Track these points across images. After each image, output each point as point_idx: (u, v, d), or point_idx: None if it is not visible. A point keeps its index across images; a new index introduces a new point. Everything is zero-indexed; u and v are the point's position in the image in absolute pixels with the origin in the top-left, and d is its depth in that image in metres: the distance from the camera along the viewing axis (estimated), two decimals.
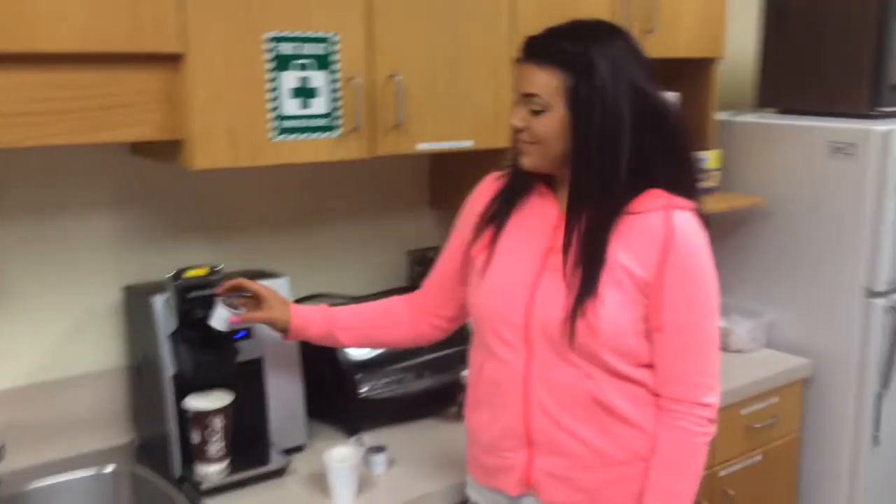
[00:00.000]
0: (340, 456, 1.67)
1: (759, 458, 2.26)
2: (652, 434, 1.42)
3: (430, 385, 2.03)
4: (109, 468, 1.79)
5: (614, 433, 1.41)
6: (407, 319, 1.71)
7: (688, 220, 1.41)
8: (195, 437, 1.67)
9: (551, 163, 1.43)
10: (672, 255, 1.38)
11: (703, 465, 1.42)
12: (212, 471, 1.68)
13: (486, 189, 1.60)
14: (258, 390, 1.81)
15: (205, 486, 1.66)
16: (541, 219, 1.48)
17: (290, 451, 1.82)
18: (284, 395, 1.83)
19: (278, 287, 1.78)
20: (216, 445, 1.67)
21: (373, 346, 1.76)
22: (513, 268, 1.47)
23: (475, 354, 1.54)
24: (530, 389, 1.43)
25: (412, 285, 2.37)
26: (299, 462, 1.78)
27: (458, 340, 2.08)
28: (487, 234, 1.53)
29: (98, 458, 1.83)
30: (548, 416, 1.41)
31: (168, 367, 1.69)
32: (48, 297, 1.85)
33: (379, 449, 1.77)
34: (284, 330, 1.67)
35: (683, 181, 1.44)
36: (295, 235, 2.17)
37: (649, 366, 1.41)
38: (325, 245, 2.22)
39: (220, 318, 1.62)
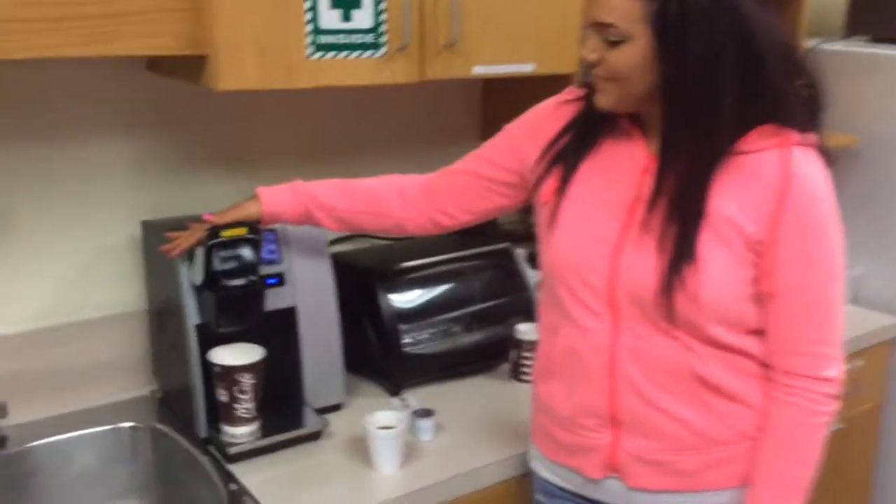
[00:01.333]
0: (384, 421, 1.47)
1: (839, 426, 2.05)
2: (759, 410, 1.21)
3: (480, 339, 1.83)
4: (127, 424, 1.61)
5: (718, 411, 1.20)
6: (401, 208, 1.48)
7: (808, 159, 1.17)
8: (222, 395, 1.48)
9: (634, 101, 1.19)
10: (789, 203, 1.14)
11: (821, 447, 1.20)
12: (240, 433, 1.50)
13: (552, 113, 1.35)
14: (291, 343, 1.61)
15: (233, 450, 1.47)
16: (626, 161, 1.24)
17: (326, 411, 1.63)
18: (320, 348, 1.63)
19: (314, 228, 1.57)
20: (245, 405, 1.48)
21: (354, 230, 1.53)
22: (591, 220, 1.24)
23: (547, 314, 1.32)
24: (617, 364, 1.22)
25: None
26: (337, 423, 1.59)
27: (511, 288, 1.88)
28: (555, 175, 1.29)
29: (115, 412, 1.65)
30: (639, 395, 1.20)
31: (192, 316, 1.50)
32: (57, 233, 1.65)
33: (426, 413, 1.57)
34: (258, 219, 1.48)
35: (801, 113, 1.19)
36: (331, 168, 1.94)
37: (758, 332, 1.19)
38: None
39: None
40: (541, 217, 1.32)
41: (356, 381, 1.76)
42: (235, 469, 1.47)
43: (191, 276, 1.49)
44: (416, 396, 1.72)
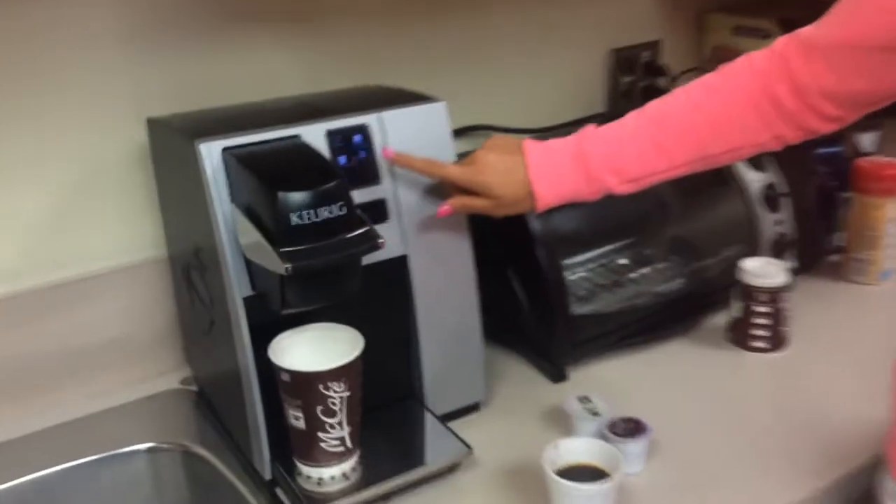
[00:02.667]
0: (575, 454, 0.85)
1: None
2: None
3: (682, 286, 1.18)
4: (144, 446, 1.01)
5: None
6: (761, 126, 0.88)
7: None
8: (296, 419, 0.87)
9: None
10: None
11: None
12: (328, 476, 0.89)
13: None
14: (401, 316, 0.98)
15: None
16: None
17: (455, 417, 1.02)
18: (448, 320, 1.00)
19: (431, 116, 0.93)
20: (335, 433, 0.87)
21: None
22: None
23: None
24: None
25: (613, 108, 1.48)
26: (477, 438, 0.96)
27: (726, 206, 1.23)
28: None
29: (125, 420, 1.05)
30: None
31: (238, 284, 0.87)
32: (23, 146, 1.01)
33: (633, 428, 0.94)
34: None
35: None
36: (426, 28, 1.27)
37: None
38: (479, 47, 1.33)
39: None
40: None
41: (493, 361, 1.14)
42: None
43: (236, 224, 0.85)
44: (589, 382, 1.09)
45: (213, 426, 1.03)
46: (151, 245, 1.10)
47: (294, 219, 0.78)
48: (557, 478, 0.82)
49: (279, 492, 0.92)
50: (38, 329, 1.05)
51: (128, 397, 1.09)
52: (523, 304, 1.10)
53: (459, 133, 1.25)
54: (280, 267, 0.78)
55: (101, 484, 0.99)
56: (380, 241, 0.82)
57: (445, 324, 1.00)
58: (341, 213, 0.80)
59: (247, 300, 0.87)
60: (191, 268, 0.98)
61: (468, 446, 0.94)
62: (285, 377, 0.85)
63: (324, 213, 0.79)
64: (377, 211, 0.93)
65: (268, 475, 0.92)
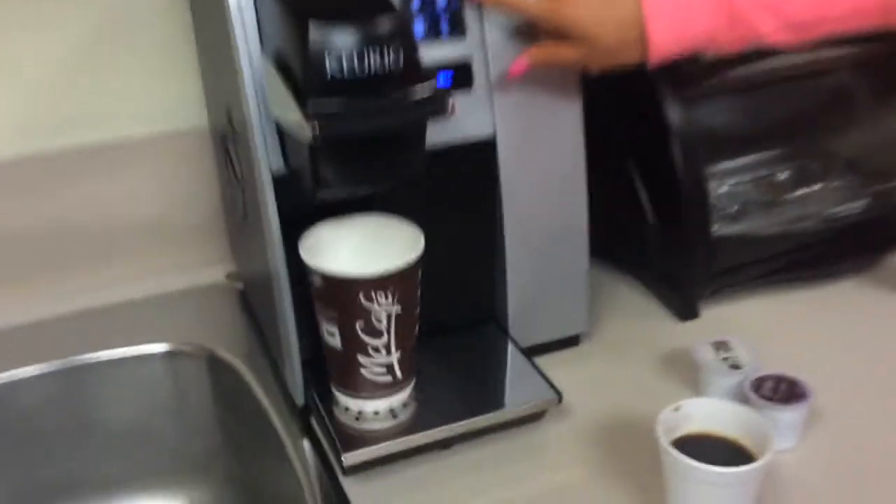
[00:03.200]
0: (702, 419, 0.62)
1: None
2: None
3: (861, 215, 0.91)
4: (160, 348, 0.84)
5: None
6: None
7: None
8: (331, 336, 0.67)
9: None
10: None
11: None
12: (371, 410, 0.69)
13: None
14: (482, 218, 0.76)
15: (352, 457, 0.67)
16: None
17: (544, 351, 0.80)
18: (544, 227, 0.77)
19: None
20: (380, 358, 0.66)
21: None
22: None
23: None
24: None
25: None
26: (573, 381, 0.74)
27: None
28: None
29: (148, 317, 0.89)
30: None
31: (262, 154, 0.66)
32: None
33: (789, 391, 0.69)
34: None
35: None
36: None
37: None
38: None
39: None
40: None
41: (601, 285, 0.90)
42: (356, 487, 0.68)
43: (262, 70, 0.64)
44: (727, 324, 0.85)
45: (254, 333, 0.85)
46: (196, 113, 0.91)
47: (331, 65, 0.56)
48: (677, 453, 0.59)
49: (313, 422, 0.73)
50: (65, 199, 0.89)
51: (163, 287, 0.92)
52: (648, 215, 0.86)
53: None
54: (306, 131, 0.56)
55: (114, 383, 0.83)
56: (449, 101, 0.59)
57: (541, 232, 0.77)
58: (396, 60, 0.57)
59: (278, 180, 0.66)
60: (227, 137, 0.78)
61: (558, 391, 0.72)
62: (317, 281, 0.65)
63: (372, 59, 0.57)
64: (458, 75, 0.69)
65: (299, 400, 0.74)
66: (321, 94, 0.56)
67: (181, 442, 0.86)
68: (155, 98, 0.90)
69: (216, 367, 0.82)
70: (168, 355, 0.82)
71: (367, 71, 0.57)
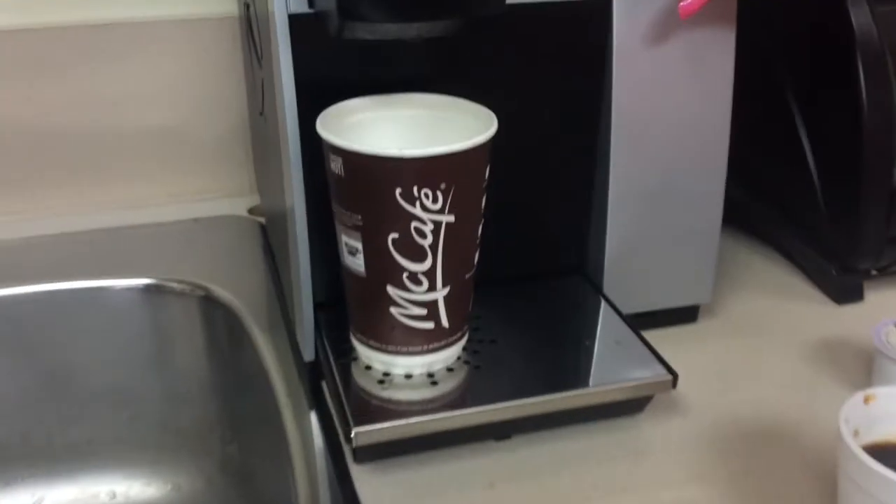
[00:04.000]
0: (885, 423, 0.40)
1: None
2: None
3: None
4: (141, 281, 0.65)
5: None
6: None
7: None
8: (350, 253, 0.46)
9: None
10: None
11: None
12: (400, 371, 0.48)
13: None
14: (585, 120, 0.54)
15: (361, 438, 0.46)
16: None
17: (651, 323, 0.58)
18: (664, 146, 0.55)
19: None
20: (419, 290, 0.46)
21: None
22: None
23: None
24: None
25: None
26: (686, 363, 0.52)
27: None
28: None
29: (145, 250, 0.70)
30: None
31: None
32: None
33: None
34: None
35: None
36: None
37: None
38: None
39: None
40: None
41: (731, 249, 0.68)
42: (369, 483, 0.47)
43: None
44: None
45: (271, 279, 0.65)
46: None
47: None
48: (877, 465, 0.36)
49: (324, 387, 0.53)
50: (66, 87, 0.71)
51: (173, 214, 0.74)
52: (809, 160, 0.63)
53: None
54: None
55: (86, 323, 0.64)
56: None
57: (661, 161, 0.55)
58: None
59: (296, 23, 0.47)
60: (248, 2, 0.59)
61: (671, 370, 0.50)
62: (335, 164, 0.44)
63: None
64: None
65: (308, 355, 0.53)
66: None
67: (165, 408, 0.67)
68: None
69: (211, 310, 0.62)
70: (150, 291, 0.63)
71: None
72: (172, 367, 0.65)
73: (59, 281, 0.64)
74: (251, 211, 0.76)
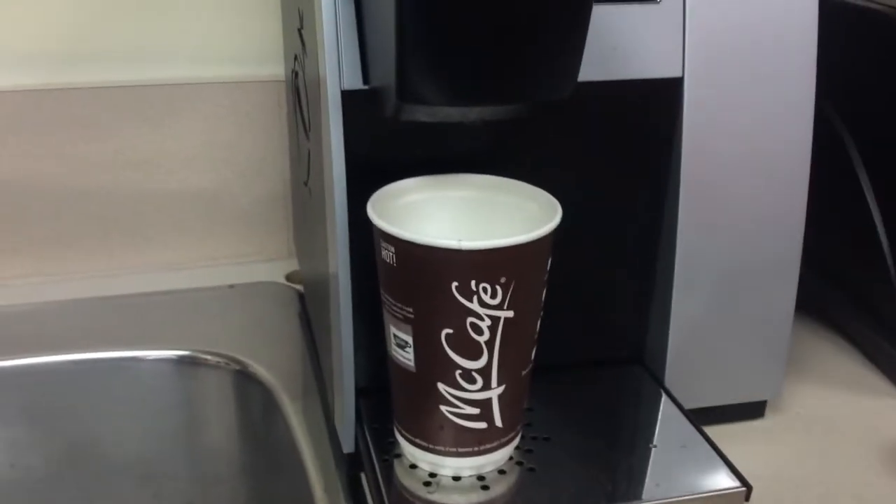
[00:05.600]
0: None
1: None
2: None
3: None
4: (173, 353, 0.62)
5: None
6: None
7: None
8: (399, 347, 0.43)
9: None
10: None
11: None
12: (449, 472, 0.44)
13: None
14: (649, 207, 0.51)
15: None
16: None
17: (713, 416, 0.54)
18: (736, 231, 0.51)
19: None
20: (473, 389, 0.42)
21: None
22: None
23: None
24: None
25: None
26: (755, 465, 0.47)
27: None
28: None
29: (191, 317, 0.67)
30: None
31: (328, 52, 0.43)
32: None
33: None
34: None
35: None
36: None
37: None
38: None
39: None
40: None
41: (800, 340, 0.64)
42: None
43: None
44: None
45: (309, 354, 0.62)
46: (273, 58, 0.71)
47: None
48: None
49: (364, 481, 0.49)
50: (99, 148, 0.69)
51: (208, 278, 0.71)
52: (884, 245, 0.59)
53: None
54: None
55: (113, 396, 0.61)
56: None
57: (732, 238, 0.51)
58: None
59: (348, 98, 0.44)
60: (296, 64, 0.57)
61: (745, 482, 0.46)
62: (387, 252, 0.41)
63: None
64: None
65: (347, 447, 0.50)
66: None
67: (192, 488, 0.63)
68: (222, 35, 0.70)
69: (245, 385, 0.59)
70: (183, 363, 0.60)
71: None
72: (201, 444, 0.62)
73: (86, 350, 0.62)
74: (289, 277, 0.73)
